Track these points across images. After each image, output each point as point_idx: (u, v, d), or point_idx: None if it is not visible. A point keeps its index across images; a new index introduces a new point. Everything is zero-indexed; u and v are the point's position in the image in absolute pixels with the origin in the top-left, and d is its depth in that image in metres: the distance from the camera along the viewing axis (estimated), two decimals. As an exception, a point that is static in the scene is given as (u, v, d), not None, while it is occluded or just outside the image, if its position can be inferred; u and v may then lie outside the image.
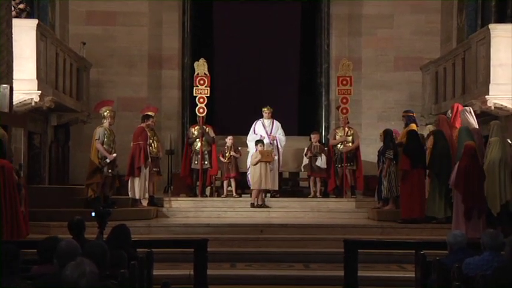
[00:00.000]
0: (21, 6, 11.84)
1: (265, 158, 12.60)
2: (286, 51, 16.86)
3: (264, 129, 13.52)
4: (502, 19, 12.57)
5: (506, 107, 11.32)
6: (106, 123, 11.71)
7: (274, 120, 13.66)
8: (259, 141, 12.92)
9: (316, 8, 16.38)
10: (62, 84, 12.95)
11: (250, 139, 13.49)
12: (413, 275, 7.00)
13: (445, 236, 6.21)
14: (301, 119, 16.84)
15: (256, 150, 12.77)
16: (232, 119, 16.09)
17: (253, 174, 12.65)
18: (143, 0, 15.83)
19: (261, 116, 13.69)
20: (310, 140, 13.64)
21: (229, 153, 13.25)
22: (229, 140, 13.38)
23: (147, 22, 15.91)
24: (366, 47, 15.98)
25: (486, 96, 11.35)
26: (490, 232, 5.51)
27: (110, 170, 11.53)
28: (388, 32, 15.95)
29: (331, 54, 16.02)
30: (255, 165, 12.63)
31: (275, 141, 13.47)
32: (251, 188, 12.75)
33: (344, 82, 13.82)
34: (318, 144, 13.48)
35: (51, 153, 13.90)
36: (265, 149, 12.77)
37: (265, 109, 13.67)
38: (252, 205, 12.50)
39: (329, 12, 16.05)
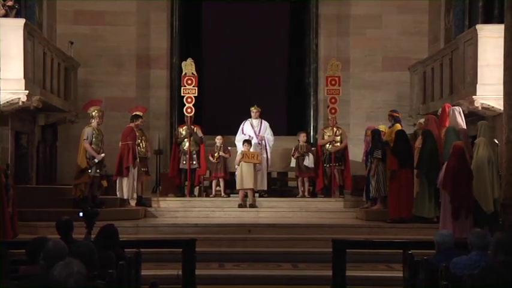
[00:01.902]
0: (9, 3, 11.76)
1: (249, 159, 12.65)
2: (274, 51, 16.88)
3: (252, 129, 13.53)
4: (489, 20, 12.62)
5: (493, 107, 11.37)
6: (94, 123, 11.68)
7: (263, 120, 13.67)
8: (246, 141, 12.96)
9: (304, 8, 16.39)
10: (50, 83, 12.90)
11: (239, 139, 13.50)
12: (401, 275, 7.03)
13: (433, 236, 6.23)
14: (290, 118, 16.86)
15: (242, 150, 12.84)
16: (221, 119, 16.08)
17: (237, 174, 12.69)
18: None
19: (250, 116, 13.69)
20: (298, 139, 13.66)
21: (219, 153, 13.25)
22: (218, 140, 13.38)
23: (135, 22, 15.87)
24: (354, 47, 16.02)
25: (473, 97, 11.40)
26: (477, 232, 5.53)
27: (98, 170, 11.50)
28: (376, 32, 15.99)
29: (319, 54, 16.04)
30: (238, 164, 12.69)
31: (263, 141, 13.48)
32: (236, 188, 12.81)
33: (333, 82, 13.86)
34: (305, 144, 13.50)
35: (39, 153, 13.83)
36: (251, 151, 12.77)
37: (253, 108, 13.69)
38: (240, 205, 12.51)
39: (317, 13, 16.07)
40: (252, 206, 12.58)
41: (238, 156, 12.83)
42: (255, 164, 12.72)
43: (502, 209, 9.96)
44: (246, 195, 12.74)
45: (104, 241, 5.88)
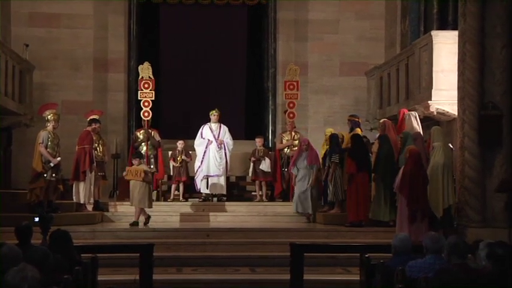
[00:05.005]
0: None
1: (132, 176, 11.27)
2: (233, 55, 16.87)
3: (212, 133, 13.49)
4: (443, 26, 12.85)
5: (448, 112, 11.57)
6: (50, 126, 11.53)
7: (222, 124, 13.64)
8: (136, 156, 11.76)
9: (262, 12, 16.45)
10: (4, 86, 12.69)
11: (198, 143, 13.44)
12: (358, 278, 7.09)
13: (389, 239, 6.30)
14: (248, 123, 16.86)
15: (134, 165, 11.51)
16: (179, 123, 16.03)
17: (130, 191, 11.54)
18: (88, 2, 15.63)
19: (208, 120, 13.65)
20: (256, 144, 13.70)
21: (181, 157, 13.21)
22: (180, 144, 13.34)
23: (92, 25, 15.71)
24: (312, 52, 16.13)
25: (429, 102, 11.58)
26: (432, 235, 5.61)
27: (53, 174, 11.35)
28: (334, 38, 16.13)
29: (277, 58, 16.11)
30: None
31: (223, 145, 13.43)
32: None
33: (291, 87, 13.95)
34: (262, 148, 13.54)
35: (-7, 157, 13.60)
36: (136, 167, 11.35)
37: (214, 112, 13.59)
38: (133, 224, 11.24)
39: (275, 17, 16.14)
40: (143, 223, 11.29)
41: (125, 174, 11.56)
42: (144, 181, 11.26)
43: (456, 213, 10.15)
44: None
45: (55, 246, 5.77)
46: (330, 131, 12.75)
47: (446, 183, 9.96)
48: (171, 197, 13.26)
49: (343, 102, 15.94)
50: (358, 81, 15.87)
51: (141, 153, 12.14)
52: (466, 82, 9.99)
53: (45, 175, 11.28)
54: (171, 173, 13.49)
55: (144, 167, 11.49)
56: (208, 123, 13.58)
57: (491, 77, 9.95)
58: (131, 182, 11.35)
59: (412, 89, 12.70)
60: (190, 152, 13.40)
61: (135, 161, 11.55)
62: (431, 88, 11.58)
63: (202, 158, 13.24)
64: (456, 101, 10.33)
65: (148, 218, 11.39)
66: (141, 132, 13.51)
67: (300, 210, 12.07)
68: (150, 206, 11.47)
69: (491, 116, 9.86)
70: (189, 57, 16.58)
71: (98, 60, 15.73)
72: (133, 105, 15.51)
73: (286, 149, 13.54)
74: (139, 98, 13.60)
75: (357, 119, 12.33)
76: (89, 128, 12.23)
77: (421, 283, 4.95)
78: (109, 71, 15.80)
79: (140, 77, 13.61)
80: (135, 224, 11.22)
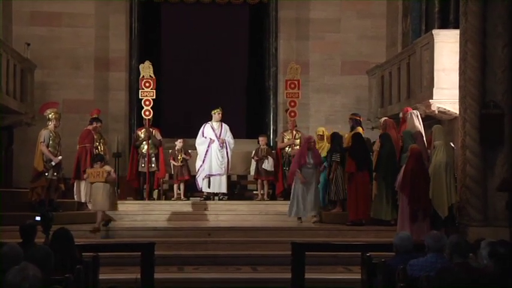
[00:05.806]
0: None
1: (94, 178, 10.76)
2: (234, 54, 16.86)
3: (213, 132, 13.49)
4: (445, 25, 12.84)
5: (449, 111, 11.56)
6: (51, 125, 11.54)
7: (223, 123, 13.64)
8: (98, 158, 11.16)
9: (264, 11, 16.44)
10: (5, 85, 12.70)
11: (199, 142, 13.44)
12: (360, 277, 7.09)
13: (391, 238, 6.30)
14: (249, 122, 16.86)
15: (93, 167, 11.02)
16: (180, 122, 16.03)
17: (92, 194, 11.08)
18: (89, 0, 15.63)
19: (210, 119, 13.65)
20: (259, 143, 13.69)
21: (181, 156, 13.21)
22: (179, 143, 13.34)
23: (94, 23, 15.70)
24: (313, 51, 16.11)
25: (430, 101, 11.57)
26: (433, 234, 5.62)
27: (55, 173, 11.36)
28: (335, 36, 16.12)
29: (279, 57, 16.10)
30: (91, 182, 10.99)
31: (225, 144, 13.41)
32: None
33: (292, 85, 13.94)
34: (265, 147, 13.54)
35: (-6, 156, 13.60)
36: (98, 168, 10.81)
37: (218, 110, 13.56)
38: (94, 230, 10.61)
39: (277, 16, 16.14)
40: (95, 230, 10.61)
41: (86, 176, 11.15)
42: (107, 181, 10.75)
43: (457, 212, 10.15)
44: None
45: (57, 245, 5.77)
46: (321, 130, 12.74)
47: (449, 182, 9.95)
48: (175, 196, 13.27)
49: (345, 101, 15.93)
50: (360, 80, 15.85)
51: (102, 156, 11.33)
52: (468, 81, 9.98)
53: (46, 174, 11.29)
54: (172, 172, 13.51)
55: (107, 167, 10.89)
56: (210, 122, 13.58)
57: (492, 76, 9.95)
58: (93, 185, 10.78)
59: (413, 88, 12.69)
60: (189, 151, 13.41)
61: (96, 165, 10.85)
62: (433, 87, 11.57)
63: (204, 157, 13.24)
64: (457, 100, 10.33)
65: (108, 221, 10.88)
66: (142, 131, 13.53)
67: (309, 214, 11.43)
68: (113, 209, 10.98)
69: (492, 115, 9.85)
70: (190, 56, 16.57)
71: (99, 59, 15.73)
72: (135, 104, 15.51)
73: (287, 148, 13.54)
74: (140, 97, 13.61)
75: (358, 118, 12.32)
76: (90, 127, 12.24)
77: (422, 282, 4.95)
78: (110, 69, 15.79)
79: (141, 75, 13.62)
80: (96, 230, 10.54)
